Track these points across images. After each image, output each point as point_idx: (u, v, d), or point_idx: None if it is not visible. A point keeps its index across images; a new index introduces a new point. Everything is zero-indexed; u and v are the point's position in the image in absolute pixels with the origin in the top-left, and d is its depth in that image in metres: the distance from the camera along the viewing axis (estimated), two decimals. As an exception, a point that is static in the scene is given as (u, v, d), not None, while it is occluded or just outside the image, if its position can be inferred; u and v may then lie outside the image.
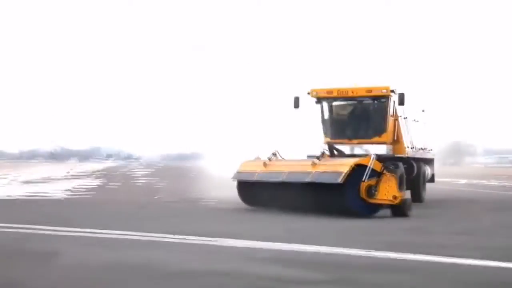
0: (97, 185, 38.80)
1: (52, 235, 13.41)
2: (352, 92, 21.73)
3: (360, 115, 22.27)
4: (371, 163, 17.69)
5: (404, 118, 22.93)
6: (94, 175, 58.48)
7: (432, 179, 26.95)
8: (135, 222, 15.90)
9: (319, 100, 22.11)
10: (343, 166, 17.90)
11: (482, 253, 10.99)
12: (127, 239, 12.81)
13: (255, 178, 19.56)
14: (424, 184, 24.68)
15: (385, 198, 17.88)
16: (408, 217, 17.64)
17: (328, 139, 21.94)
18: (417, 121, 24.89)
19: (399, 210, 18.01)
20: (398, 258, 10.52)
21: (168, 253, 11.05)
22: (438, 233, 14.62)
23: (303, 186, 18.20)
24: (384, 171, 17.99)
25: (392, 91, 21.31)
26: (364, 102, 22.06)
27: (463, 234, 14.38)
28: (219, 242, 12.21)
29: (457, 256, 10.61)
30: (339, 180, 17.49)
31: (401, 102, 21.08)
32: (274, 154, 19.85)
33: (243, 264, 9.91)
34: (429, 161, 26.53)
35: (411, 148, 23.37)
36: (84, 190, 32.85)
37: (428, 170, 25.77)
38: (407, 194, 18.77)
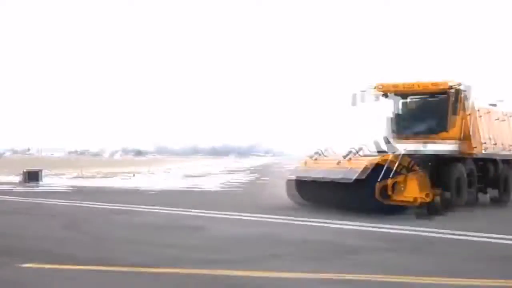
0: (249, 179, 43.47)
1: (201, 216, 17.65)
2: (418, 86, 21.11)
3: (423, 111, 21.51)
4: (388, 163, 17.56)
5: (485, 113, 21.84)
6: (249, 171, 63.53)
7: None
8: (266, 209, 19.71)
9: (385, 95, 21.39)
10: (362, 164, 17.97)
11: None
12: (255, 220, 16.80)
13: (294, 176, 20.29)
14: (508, 185, 23.20)
15: (404, 199, 17.39)
16: (432, 219, 16.71)
17: (386, 135, 21.19)
18: (508, 118, 23.53)
19: (427, 210, 17.48)
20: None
21: (282, 228, 14.97)
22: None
23: (335, 184, 18.25)
24: (404, 171, 17.56)
25: (459, 84, 20.49)
26: (428, 98, 21.33)
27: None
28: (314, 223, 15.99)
29: None
30: (354, 177, 17.61)
31: (464, 97, 20.38)
32: (318, 153, 20.24)
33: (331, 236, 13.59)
34: None
35: (493, 145, 22.00)
36: (237, 183, 37.50)
37: None
38: (443, 195, 18.34)
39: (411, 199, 17.33)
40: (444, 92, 20.48)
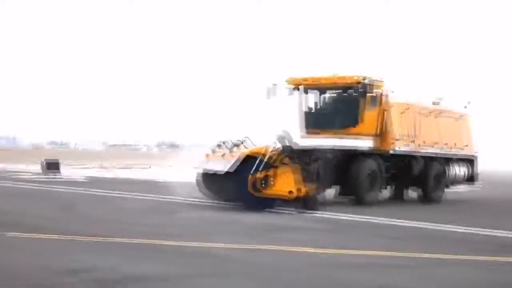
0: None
1: (182, 203, 19.79)
2: (326, 81, 21.08)
3: (334, 105, 21.52)
4: (260, 156, 17.32)
5: (404, 109, 21.58)
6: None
7: (471, 179, 25.27)
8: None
9: (296, 88, 21.33)
10: (235, 156, 17.82)
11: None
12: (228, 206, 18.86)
13: (198, 169, 19.49)
14: (440, 183, 23.05)
15: (278, 192, 17.23)
16: (314, 211, 17.13)
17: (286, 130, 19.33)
18: (438, 115, 23.34)
19: (303, 204, 17.31)
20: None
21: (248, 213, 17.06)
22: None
23: (225, 176, 17.91)
24: (278, 164, 17.39)
25: (364, 79, 20.29)
26: (340, 92, 21.21)
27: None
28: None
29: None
30: (225, 170, 17.66)
31: (365, 92, 20.15)
32: (219, 145, 19.03)
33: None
34: (463, 159, 24.72)
35: (411, 142, 21.76)
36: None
37: (456, 169, 24.15)
38: (319, 189, 18.10)
39: (282, 193, 17.13)
40: (352, 86, 20.44)
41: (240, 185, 17.12)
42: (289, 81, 21.39)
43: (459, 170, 24.40)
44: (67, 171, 40.90)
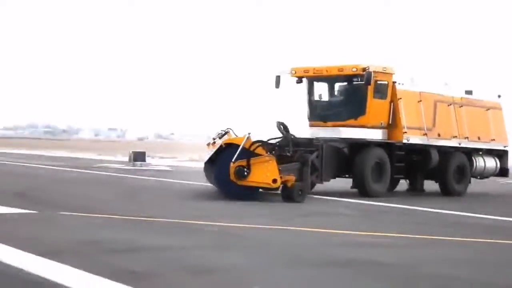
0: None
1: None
2: (327, 71, 20.43)
3: (339, 95, 21.13)
4: (243, 144, 16.91)
5: (417, 100, 21.05)
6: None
7: (503, 173, 24.12)
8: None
9: (299, 79, 21.05)
10: (217, 145, 17.66)
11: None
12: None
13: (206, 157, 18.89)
14: (463, 176, 22.28)
15: (261, 181, 16.96)
16: (298, 203, 16.78)
17: (281, 121, 19.26)
18: (462, 105, 22.55)
19: (286, 195, 17.07)
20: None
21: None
22: None
23: (212, 165, 18.00)
24: (254, 155, 16.94)
25: (368, 68, 19.43)
26: (345, 82, 20.81)
27: None
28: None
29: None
30: (206, 158, 18.04)
31: (367, 82, 19.28)
32: (220, 134, 18.55)
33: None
34: (493, 152, 23.66)
35: (426, 134, 21.13)
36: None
37: (484, 162, 23.16)
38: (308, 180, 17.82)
39: (266, 181, 16.91)
40: (356, 75, 19.82)
41: (222, 173, 17.01)
42: (291, 72, 20.98)
43: (488, 163, 23.34)
44: (155, 161, 42.68)
